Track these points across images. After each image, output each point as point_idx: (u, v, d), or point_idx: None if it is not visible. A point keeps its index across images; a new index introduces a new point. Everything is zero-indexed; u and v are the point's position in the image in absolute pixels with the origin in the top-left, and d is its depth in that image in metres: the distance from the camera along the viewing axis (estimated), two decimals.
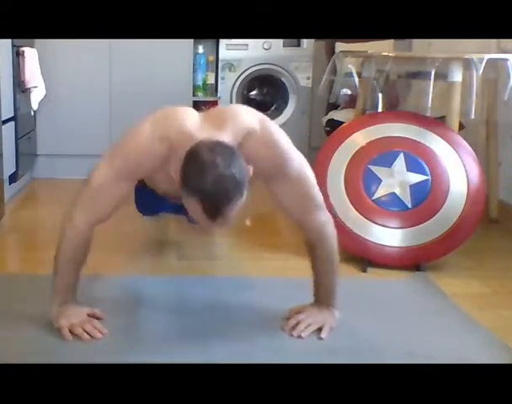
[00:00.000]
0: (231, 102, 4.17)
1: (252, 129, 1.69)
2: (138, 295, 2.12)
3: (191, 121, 1.69)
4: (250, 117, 1.73)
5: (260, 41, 4.13)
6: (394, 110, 3.32)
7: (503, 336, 1.87)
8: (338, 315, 1.89)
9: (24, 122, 3.48)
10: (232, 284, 2.24)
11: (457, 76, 2.52)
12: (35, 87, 3.49)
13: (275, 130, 1.76)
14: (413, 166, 2.47)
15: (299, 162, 1.78)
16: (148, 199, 2.10)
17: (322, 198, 1.84)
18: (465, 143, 2.52)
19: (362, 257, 2.44)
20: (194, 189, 1.52)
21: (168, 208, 2.27)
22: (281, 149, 1.73)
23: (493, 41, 3.11)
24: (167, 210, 2.38)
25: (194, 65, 4.11)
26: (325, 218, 1.83)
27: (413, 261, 2.43)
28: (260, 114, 1.77)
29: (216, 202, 1.52)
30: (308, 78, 4.20)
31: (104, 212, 1.75)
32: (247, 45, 4.13)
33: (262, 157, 1.69)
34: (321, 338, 1.81)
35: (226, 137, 1.62)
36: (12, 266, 2.55)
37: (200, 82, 4.21)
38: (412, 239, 2.43)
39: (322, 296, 1.90)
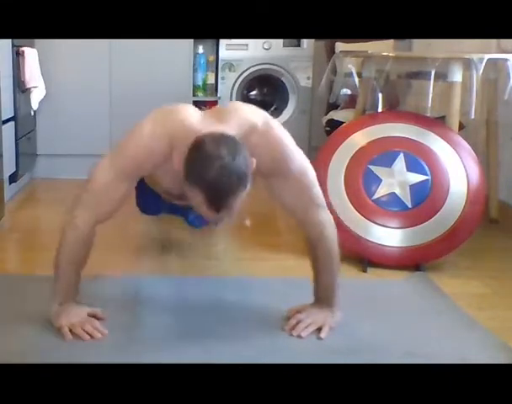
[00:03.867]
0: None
1: (254, 124, 1.70)
2: (138, 294, 2.12)
3: (192, 116, 1.70)
4: (252, 114, 1.74)
5: (260, 41, 4.13)
6: (394, 110, 3.32)
7: (502, 336, 1.87)
8: (338, 315, 1.89)
9: (24, 122, 3.48)
10: (232, 284, 2.24)
11: (457, 76, 2.52)
12: (35, 87, 3.49)
13: (278, 128, 1.77)
14: (413, 166, 2.48)
15: (300, 160, 1.78)
16: (149, 198, 2.11)
17: (324, 197, 1.85)
18: (465, 143, 2.52)
19: (362, 257, 2.44)
20: (199, 180, 1.53)
21: (167, 209, 2.27)
22: (283, 146, 1.74)
23: (493, 41, 3.10)
24: (167, 211, 2.38)
25: (194, 65, 4.12)
26: (326, 217, 1.84)
27: (413, 261, 2.43)
28: (263, 112, 1.78)
29: (219, 193, 1.52)
30: (308, 78, 4.20)
31: (105, 212, 1.76)
32: (247, 45, 4.13)
33: (264, 153, 1.69)
34: (320, 338, 1.81)
35: (230, 130, 1.63)
36: (12, 266, 2.55)
37: (199, 82, 4.21)
38: (412, 239, 2.43)
39: (323, 296, 1.90)
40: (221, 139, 1.55)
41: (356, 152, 2.55)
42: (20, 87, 3.35)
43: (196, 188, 1.54)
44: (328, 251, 1.84)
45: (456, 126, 2.56)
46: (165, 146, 1.66)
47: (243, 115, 1.71)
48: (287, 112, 4.22)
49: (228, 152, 1.52)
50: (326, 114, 3.74)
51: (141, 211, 2.48)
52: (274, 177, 1.76)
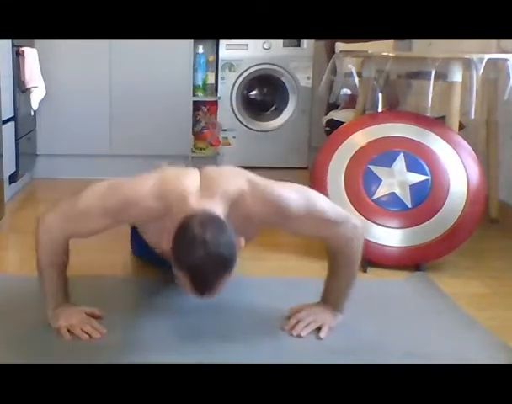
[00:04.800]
0: (231, 102, 4.18)
1: (240, 189, 1.69)
2: (138, 295, 2.12)
3: (191, 188, 1.68)
4: (239, 180, 1.72)
5: (260, 41, 4.13)
6: (394, 110, 3.32)
7: (503, 336, 1.87)
8: (340, 318, 1.89)
9: (24, 122, 3.48)
10: (232, 284, 2.23)
11: (457, 76, 2.52)
12: (35, 87, 3.49)
13: (263, 183, 1.75)
14: (413, 166, 2.47)
15: (299, 196, 1.74)
16: (142, 246, 2.09)
17: (339, 209, 1.83)
18: (465, 143, 2.52)
19: (362, 257, 2.43)
20: (184, 264, 1.53)
21: (159, 261, 2.21)
22: (275, 197, 1.71)
23: (493, 41, 3.10)
24: (159, 264, 2.32)
25: (194, 65, 4.12)
26: (348, 232, 1.80)
27: (413, 261, 2.43)
28: (247, 174, 1.76)
29: (204, 279, 1.53)
30: (308, 78, 4.20)
31: (80, 233, 1.76)
32: (247, 45, 4.13)
33: (261, 211, 1.70)
34: (320, 338, 1.81)
35: (219, 205, 1.63)
36: (12, 266, 2.55)
37: (200, 82, 4.21)
38: (412, 239, 2.43)
39: (332, 299, 1.90)
40: (207, 222, 1.55)
41: (356, 152, 2.55)
42: (20, 87, 3.35)
43: (182, 270, 1.54)
44: (349, 262, 1.84)
45: (456, 126, 2.56)
46: (159, 206, 1.66)
47: (231, 185, 1.70)
48: (287, 112, 4.21)
49: (213, 238, 1.51)
50: (326, 114, 3.74)
51: (133, 254, 2.47)
52: (283, 225, 1.77)
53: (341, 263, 1.84)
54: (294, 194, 1.74)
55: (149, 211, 1.68)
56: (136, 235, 2.10)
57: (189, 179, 1.71)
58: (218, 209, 1.62)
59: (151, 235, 1.88)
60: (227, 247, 1.54)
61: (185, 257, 1.53)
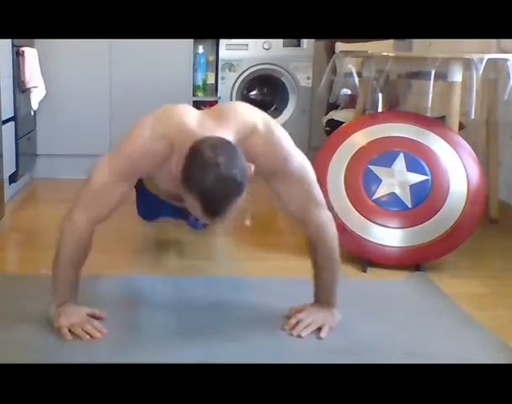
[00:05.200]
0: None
1: (254, 127, 1.70)
2: (138, 294, 2.12)
3: (192, 118, 1.70)
4: (252, 115, 1.74)
5: (260, 41, 4.13)
6: (394, 110, 3.32)
7: (503, 336, 1.87)
8: (338, 315, 1.89)
9: (24, 122, 3.48)
10: (232, 284, 2.23)
11: (457, 76, 2.52)
12: (35, 87, 3.49)
13: (277, 129, 1.77)
14: (413, 166, 2.47)
15: (300, 161, 1.79)
16: (149, 202, 2.11)
17: (323, 197, 1.85)
18: (465, 143, 2.52)
19: (362, 257, 2.44)
20: (195, 187, 1.54)
21: (168, 212, 2.26)
22: (283, 148, 1.75)
23: (493, 41, 3.11)
24: (167, 215, 2.38)
25: (194, 65, 4.12)
26: (326, 217, 1.84)
27: (413, 261, 2.43)
28: (262, 113, 1.79)
29: (215, 202, 1.53)
30: (308, 78, 4.20)
31: (103, 211, 1.75)
32: (247, 45, 4.13)
33: (263, 155, 1.70)
34: (320, 338, 1.81)
35: (228, 134, 1.63)
36: (12, 266, 2.55)
37: (200, 82, 4.21)
38: (412, 239, 2.43)
39: (323, 295, 1.90)
40: (218, 145, 1.56)
41: (356, 152, 2.55)
42: (20, 87, 3.35)
43: (192, 194, 1.55)
44: (328, 250, 1.85)
45: (456, 126, 2.56)
46: (163, 147, 1.67)
47: (243, 117, 1.71)
48: (287, 112, 4.22)
49: (225, 160, 1.52)
50: (326, 114, 3.74)
51: (142, 218, 2.48)
52: (274, 178, 1.77)
53: (321, 256, 1.84)
54: (297, 156, 1.78)
55: (156, 155, 1.68)
56: (141, 193, 2.08)
57: (187, 112, 1.73)
58: (228, 136, 1.63)
59: (161, 182, 1.85)
60: (239, 171, 1.54)
61: (197, 181, 1.53)
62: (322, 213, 1.83)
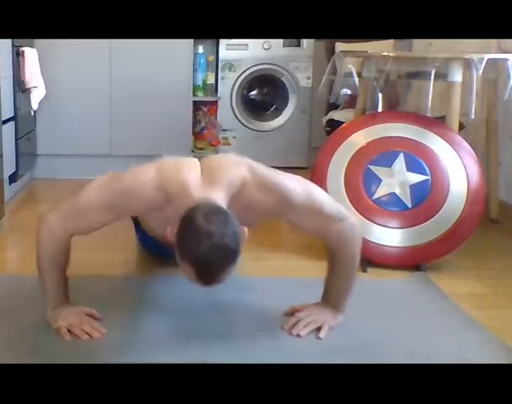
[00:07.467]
0: (231, 102, 4.18)
1: (242, 179, 1.70)
2: (138, 295, 2.12)
3: (192, 178, 1.68)
4: (237, 167, 1.73)
5: (260, 41, 4.13)
6: (394, 110, 3.32)
7: (503, 336, 1.87)
8: (340, 318, 1.89)
9: (24, 122, 3.48)
10: (232, 284, 2.23)
11: (457, 76, 2.52)
12: (35, 87, 3.49)
13: (265, 171, 1.76)
14: (413, 166, 2.47)
15: (300, 187, 1.76)
16: (148, 240, 2.09)
17: (338, 205, 1.84)
18: (465, 143, 2.52)
19: (362, 257, 2.43)
20: (189, 256, 1.54)
21: (162, 250, 2.21)
22: (277, 185, 1.73)
23: (493, 41, 3.10)
24: (165, 255, 2.31)
25: (194, 65, 4.11)
26: (347, 226, 1.81)
27: (413, 261, 2.43)
28: (249, 162, 1.77)
29: (209, 270, 1.54)
30: (308, 78, 4.20)
31: (82, 229, 1.76)
32: (247, 45, 4.13)
33: (263, 200, 1.71)
34: (319, 338, 1.81)
35: (221, 195, 1.64)
36: (12, 266, 2.55)
37: (199, 82, 4.21)
38: (412, 239, 2.43)
39: (333, 298, 1.90)
40: (212, 213, 1.55)
41: (356, 152, 2.55)
42: (20, 87, 3.35)
43: (187, 262, 1.55)
44: (347, 258, 1.84)
45: (456, 126, 2.56)
46: (157, 197, 1.67)
47: (229, 174, 1.70)
48: (287, 112, 4.21)
49: (218, 229, 1.52)
50: (326, 114, 3.74)
51: (139, 243, 2.47)
52: (284, 214, 1.77)
53: (340, 261, 1.84)
54: (295, 184, 1.76)
55: (150, 202, 1.69)
56: (138, 227, 2.09)
57: (190, 169, 1.72)
58: (221, 198, 1.63)
59: (153, 225, 1.89)
60: (232, 239, 1.54)
61: (190, 250, 1.53)
62: (342, 225, 1.80)
